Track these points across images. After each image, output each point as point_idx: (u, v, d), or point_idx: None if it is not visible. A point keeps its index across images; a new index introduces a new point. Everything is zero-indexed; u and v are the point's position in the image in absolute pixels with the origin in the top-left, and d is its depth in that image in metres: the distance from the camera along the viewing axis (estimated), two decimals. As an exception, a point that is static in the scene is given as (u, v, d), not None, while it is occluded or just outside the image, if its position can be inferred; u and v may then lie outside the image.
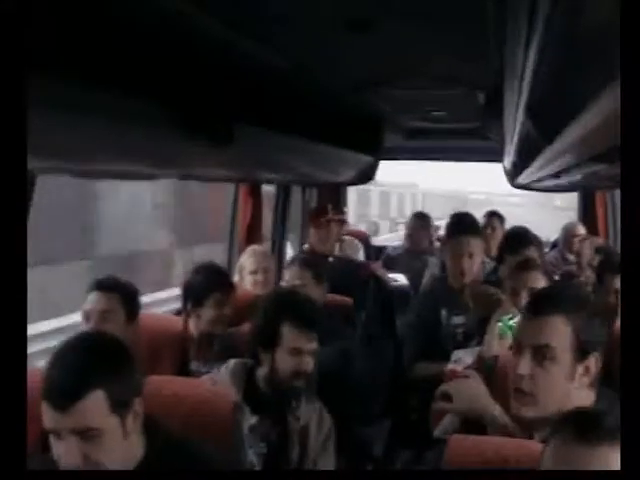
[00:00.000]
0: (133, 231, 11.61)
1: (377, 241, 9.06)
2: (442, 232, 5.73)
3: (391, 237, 13.42)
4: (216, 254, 6.27)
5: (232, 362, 2.79)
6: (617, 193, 5.64)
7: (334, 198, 6.81)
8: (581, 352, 2.08)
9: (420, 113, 4.72)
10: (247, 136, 2.52)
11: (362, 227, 10.89)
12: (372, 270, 5.40)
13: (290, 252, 6.03)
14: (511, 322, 3.02)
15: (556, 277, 4.73)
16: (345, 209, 7.09)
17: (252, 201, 5.10)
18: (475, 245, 3.98)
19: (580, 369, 2.09)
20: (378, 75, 3.29)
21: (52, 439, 1.82)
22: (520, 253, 4.13)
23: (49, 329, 6.34)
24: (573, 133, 1.52)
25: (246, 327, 3.17)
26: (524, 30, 1.44)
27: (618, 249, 5.18)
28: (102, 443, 1.82)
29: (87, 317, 3.06)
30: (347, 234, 6.31)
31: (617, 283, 3.70)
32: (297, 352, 2.67)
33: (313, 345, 2.71)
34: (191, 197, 11.86)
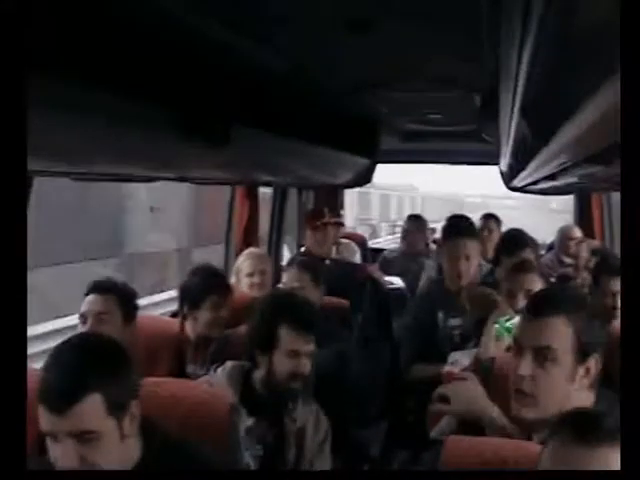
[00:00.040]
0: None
1: (374, 244, 9.07)
2: (438, 235, 5.74)
3: (391, 239, 13.47)
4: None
5: (229, 364, 2.79)
6: (613, 195, 5.65)
7: (331, 201, 6.82)
8: (582, 353, 2.08)
9: (417, 115, 4.73)
10: (244, 138, 2.52)
11: (360, 230, 10.88)
12: (369, 272, 5.40)
13: (286, 254, 6.03)
14: (508, 324, 3.02)
15: (552, 279, 4.73)
16: (342, 212, 7.09)
17: (249, 203, 5.11)
18: (472, 248, 3.98)
19: (581, 370, 2.09)
20: (375, 77, 3.30)
21: (49, 442, 1.81)
22: (516, 255, 4.13)
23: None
24: (568, 133, 1.52)
25: (242, 329, 3.16)
26: (518, 31, 1.44)
27: (614, 251, 5.20)
28: (99, 446, 1.81)
29: (84, 319, 3.05)
30: (344, 237, 6.31)
31: (613, 285, 3.71)
32: (295, 354, 2.67)
33: (310, 347, 2.71)
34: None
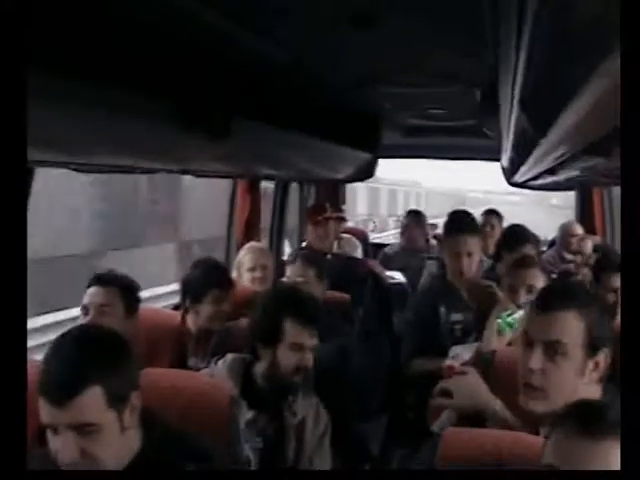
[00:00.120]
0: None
1: (379, 237, 9.08)
2: (440, 230, 5.74)
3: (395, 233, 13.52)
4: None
5: (229, 357, 2.79)
6: (614, 191, 5.65)
7: (332, 196, 6.82)
8: (592, 348, 2.08)
9: (418, 110, 4.72)
10: (245, 130, 2.52)
11: (361, 225, 10.89)
12: (370, 267, 5.40)
13: (288, 249, 6.03)
14: (510, 319, 3.03)
15: (553, 276, 4.73)
16: (343, 207, 7.09)
17: (250, 197, 5.10)
18: (473, 244, 3.97)
19: (590, 364, 2.09)
20: (377, 72, 3.30)
21: (49, 434, 1.81)
22: (517, 251, 4.14)
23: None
24: (565, 124, 1.53)
25: (244, 322, 3.17)
26: (515, 24, 1.45)
27: (615, 248, 5.19)
28: (100, 438, 1.81)
29: (86, 311, 3.06)
30: (345, 232, 6.31)
31: (614, 281, 3.71)
32: (299, 348, 2.67)
33: (314, 341, 2.71)
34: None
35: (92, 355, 1.84)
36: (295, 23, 2.35)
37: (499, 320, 3.07)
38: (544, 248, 5.98)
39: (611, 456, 1.57)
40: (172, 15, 1.82)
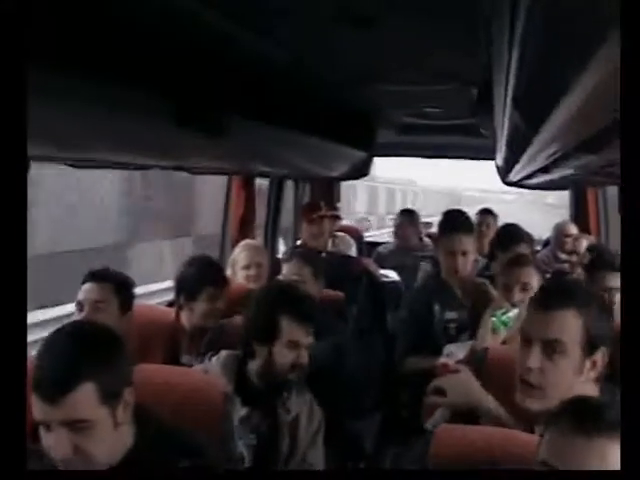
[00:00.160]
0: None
1: (373, 236, 9.10)
2: (434, 229, 5.74)
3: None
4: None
5: (223, 353, 2.80)
6: (608, 190, 5.66)
7: (327, 194, 6.82)
8: (590, 346, 2.09)
9: (414, 109, 4.73)
10: (240, 128, 2.52)
11: (354, 223, 10.90)
12: (364, 265, 5.40)
13: (282, 247, 6.03)
14: (504, 317, 3.03)
15: (548, 275, 4.73)
16: (338, 205, 7.09)
17: (245, 194, 5.10)
18: (468, 243, 3.98)
19: (588, 364, 2.09)
20: (372, 70, 3.30)
21: (42, 430, 1.80)
22: (511, 250, 4.15)
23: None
24: (556, 122, 1.53)
25: (237, 319, 3.17)
26: (507, 22, 1.45)
27: (609, 247, 5.20)
28: (93, 434, 1.80)
29: (80, 307, 3.06)
30: (340, 230, 6.31)
31: (608, 281, 3.71)
32: (295, 345, 2.68)
33: (310, 339, 2.72)
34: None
35: (85, 351, 1.84)
36: (291, 22, 2.35)
37: (494, 318, 3.07)
38: (538, 248, 5.98)
39: (606, 454, 1.57)
40: (168, 13, 1.82)
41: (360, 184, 24.96)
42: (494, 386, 2.31)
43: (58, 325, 1.95)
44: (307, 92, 3.36)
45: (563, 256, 5.70)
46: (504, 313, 3.06)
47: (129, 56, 1.67)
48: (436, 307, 3.93)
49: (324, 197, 6.53)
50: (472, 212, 5.91)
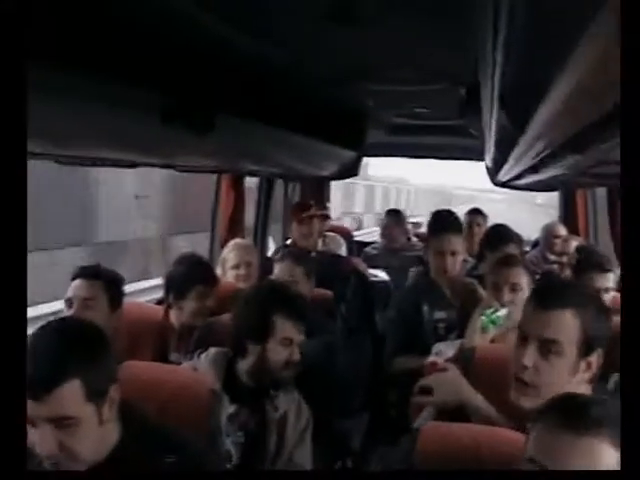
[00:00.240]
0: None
1: (367, 234, 9.10)
2: (423, 229, 5.75)
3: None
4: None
5: (212, 351, 2.80)
6: (598, 191, 5.68)
7: (317, 193, 6.82)
8: (586, 347, 2.09)
9: (403, 109, 4.73)
10: (229, 126, 2.53)
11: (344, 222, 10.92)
12: (353, 265, 5.41)
13: (272, 246, 6.03)
14: (493, 316, 3.04)
15: (537, 276, 4.75)
16: (328, 204, 7.09)
17: (234, 193, 5.10)
18: (457, 243, 3.99)
19: (583, 364, 2.10)
20: (361, 69, 3.30)
21: (27, 427, 1.81)
22: (500, 250, 4.17)
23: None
24: (540, 120, 1.54)
25: (226, 317, 3.17)
26: (491, 18, 1.46)
27: (598, 248, 5.21)
28: (78, 431, 1.80)
29: (70, 304, 3.05)
30: (330, 230, 6.31)
31: (597, 281, 3.74)
32: (289, 342, 2.70)
33: (301, 337, 2.74)
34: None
35: (71, 348, 1.83)
36: (281, 22, 2.36)
37: (483, 317, 3.08)
38: (527, 248, 6.00)
39: (593, 451, 1.58)
40: (159, 12, 1.82)
41: (358, 183, 25.28)
42: (482, 384, 2.32)
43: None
44: (297, 91, 3.36)
45: (552, 257, 5.71)
46: (493, 312, 3.07)
47: (117, 54, 1.67)
48: (425, 307, 3.93)
49: (314, 196, 6.53)
50: (463, 210, 5.95)
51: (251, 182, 5.58)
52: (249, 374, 2.72)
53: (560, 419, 1.63)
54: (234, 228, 5.07)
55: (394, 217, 6.43)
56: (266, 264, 4.57)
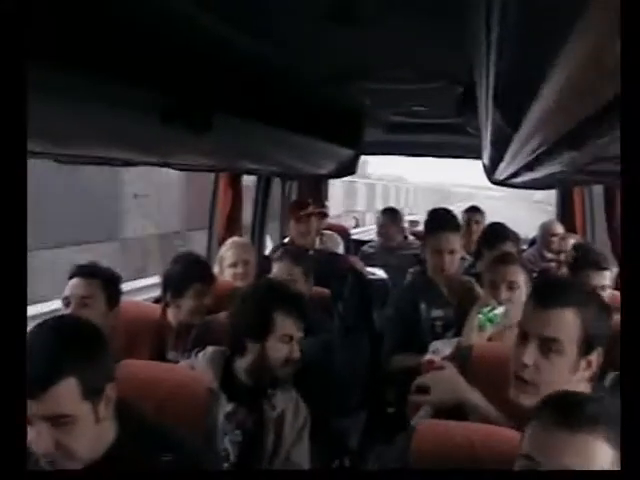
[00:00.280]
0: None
1: (361, 234, 9.10)
2: (421, 227, 5.74)
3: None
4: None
5: (209, 349, 2.81)
6: (595, 189, 5.68)
7: (315, 191, 6.82)
8: (587, 346, 2.09)
9: (401, 108, 4.74)
10: (227, 125, 2.52)
11: (345, 221, 10.94)
12: (351, 263, 5.41)
13: (269, 245, 6.03)
14: (491, 314, 3.05)
15: (534, 275, 4.75)
16: (326, 202, 7.09)
17: (232, 192, 5.10)
18: (454, 241, 4.00)
19: (583, 363, 2.10)
20: (359, 68, 3.30)
21: None
22: (497, 248, 4.17)
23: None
24: (534, 117, 1.54)
25: (222, 316, 3.17)
26: (484, 15, 1.46)
27: (595, 246, 5.22)
28: (74, 429, 1.81)
29: (67, 302, 3.05)
30: (327, 228, 6.31)
31: (593, 279, 3.74)
32: (288, 339, 2.70)
33: (301, 334, 2.74)
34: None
35: (67, 346, 1.84)
36: (279, 21, 2.36)
37: (480, 315, 3.08)
38: (525, 247, 6.00)
39: (587, 448, 1.58)
40: (156, 11, 1.82)
41: (359, 182, 25.40)
42: (479, 382, 2.32)
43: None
44: (295, 90, 3.36)
45: (549, 255, 5.71)
46: (490, 310, 3.08)
47: (115, 53, 1.67)
48: (422, 305, 3.94)
49: (312, 195, 6.53)
50: (462, 208, 5.95)
51: (249, 180, 5.58)
52: (248, 372, 2.72)
53: (555, 416, 1.64)
54: (232, 226, 5.07)
55: (390, 215, 6.41)
56: (264, 262, 4.57)
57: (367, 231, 11.37)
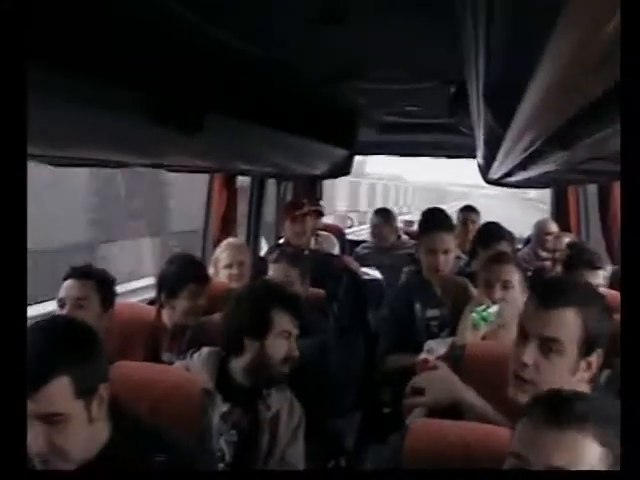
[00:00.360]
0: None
1: (361, 233, 9.10)
2: (415, 227, 5.75)
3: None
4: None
5: (205, 350, 2.81)
6: (589, 188, 5.69)
7: (310, 192, 6.82)
8: (587, 347, 2.08)
9: (394, 108, 4.74)
10: (220, 126, 2.53)
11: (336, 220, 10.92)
12: (346, 264, 5.42)
13: (264, 245, 6.03)
14: (485, 313, 3.05)
15: (529, 273, 4.75)
16: (321, 202, 7.09)
17: (227, 193, 5.09)
18: (449, 241, 4.00)
19: (583, 364, 2.09)
20: (352, 68, 3.31)
21: None
22: (492, 247, 4.17)
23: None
24: (523, 116, 1.54)
25: (217, 317, 3.17)
26: (470, 16, 1.46)
27: (589, 245, 5.22)
28: (67, 428, 1.81)
29: (62, 304, 3.05)
30: (322, 229, 6.31)
31: (586, 278, 3.74)
32: (287, 335, 2.71)
33: (297, 332, 2.75)
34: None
35: (60, 345, 1.84)
36: (272, 21, 2.36)
37: (474, 314, 3.08)
38: (519, 246, 6.01)
39: (576, 446, 1.58)
40: (146, 11, 1.82)
41: (362, 182, 25.56)
42: (473, 381, 2.32)
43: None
44: (288, 91, 3.36)
45: (544, 254, 5.71)
46: (484, 309, 3.08)
47: (109, 55, 1.67)
48: (417, 305, 3.94)
49: (306, 195, 6.53)
50: (457, 207, 5.95)
51: (243, 181, 5.57)
52: (246, 371, 2.72)
53: (544, 414, 1.63)
54: (227, 227, 5.07)
55: (383, 216, 6.38)
56: (259, 264, 4.57)
57: (364, 230, 11.40)
